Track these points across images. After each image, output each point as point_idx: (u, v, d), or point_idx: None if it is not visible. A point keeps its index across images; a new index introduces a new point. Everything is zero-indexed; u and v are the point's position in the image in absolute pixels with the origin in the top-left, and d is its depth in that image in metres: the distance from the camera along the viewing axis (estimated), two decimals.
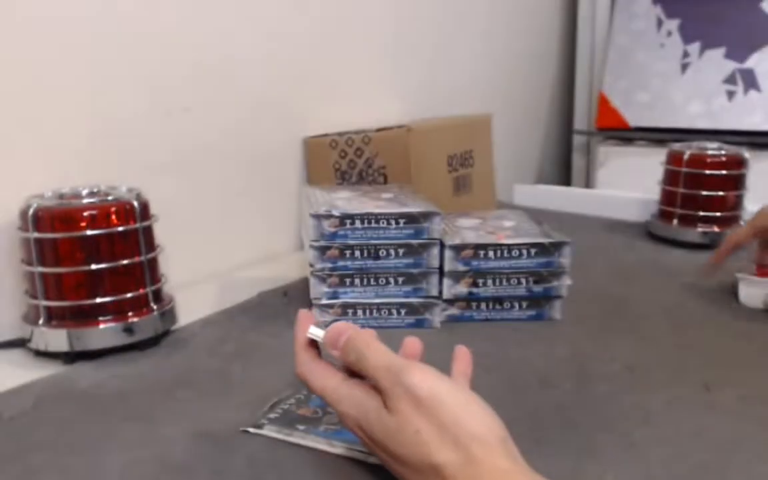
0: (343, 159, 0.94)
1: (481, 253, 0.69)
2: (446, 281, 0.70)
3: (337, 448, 0.47)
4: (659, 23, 1.48)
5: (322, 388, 0.44)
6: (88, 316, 0.62)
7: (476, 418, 0.39)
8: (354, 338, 0.43)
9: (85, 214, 0.60)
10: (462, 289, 0.70)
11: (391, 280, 0.69)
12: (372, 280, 0.69)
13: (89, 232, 0.60)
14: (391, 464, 0.41)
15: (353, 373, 0.44)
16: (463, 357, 0.46)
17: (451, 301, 0.71)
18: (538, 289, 0.70)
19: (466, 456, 0.37)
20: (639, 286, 0.84)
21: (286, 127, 0.97)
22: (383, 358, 0.41)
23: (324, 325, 0.46)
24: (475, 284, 0.69)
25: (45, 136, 0.70)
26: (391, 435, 0.39)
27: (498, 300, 0.71)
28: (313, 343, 0.46)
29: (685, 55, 1.45)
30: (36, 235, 0.60)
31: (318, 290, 0.69)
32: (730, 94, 1.39)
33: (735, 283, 0.78)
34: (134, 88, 0.77)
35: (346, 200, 0.72)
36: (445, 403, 0.39)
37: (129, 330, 0.63)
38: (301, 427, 0.49)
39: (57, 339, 0.61)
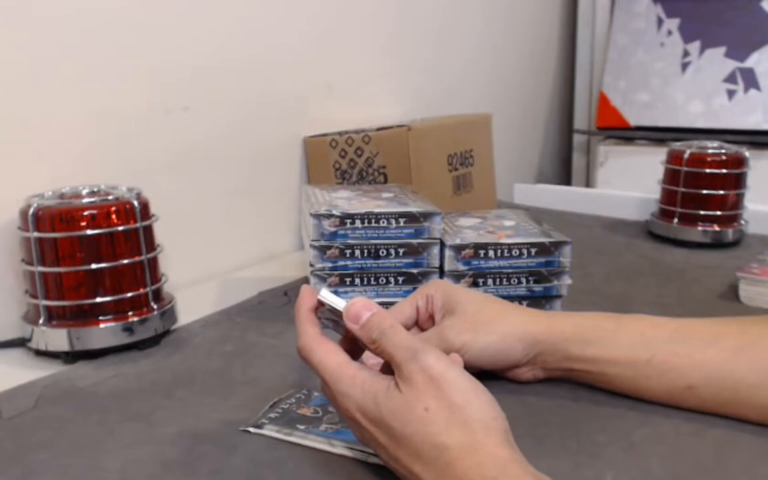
0: (343, 158, 0.94)
1: (482, 252, 0.69)
2: None
3: (337, 448, 0.47)
4: (659, 22, 1.48)
5: (323, 364, 0.43)
6: (88, 315, 0.62)
7: (485, 404, 0.40)
8: (379, 317, 0.43)
9: (86, 213, 0.60)
10: None
11: (392, 279, 0.69)
12: (372, 279, 0.69)
13: (89, 232, 0.60)
14: (389, 449, 0.41)
15: (354, 356, 0.45)
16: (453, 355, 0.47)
17: None
18: (538, 288, 0.70)
19: (471, 440, 0.38)
20: (639, 286, 0.84)
21: (286, 127, 0.97)
22: (404, 339, 0.42)
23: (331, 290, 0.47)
24: (475, 284, 0.69)
25: (45, 136, 0.70)
26: (398, 412, 0.40)
27: None
28: (315, 312, 0.46)
29: (686, 54, 1.45)
30: (36, 234, 0.60)
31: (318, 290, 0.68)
32: (731, 93, 1.39)
33: (736, 283, 0.78)
34: (134, 88, 0.77)
35: (347, 200, 0.72)
36: (456, 386, 0.40)
37: (129, 329, 0.63)
38: (301, 427, 0.49)
39: (57, 338, 0.61)
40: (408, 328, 0.57)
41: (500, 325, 0.55)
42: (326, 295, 0.46)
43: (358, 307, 0.44)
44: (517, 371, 0.56)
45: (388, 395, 0.40)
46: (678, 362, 0.51)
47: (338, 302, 0.45)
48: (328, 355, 0.44)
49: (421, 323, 0.57)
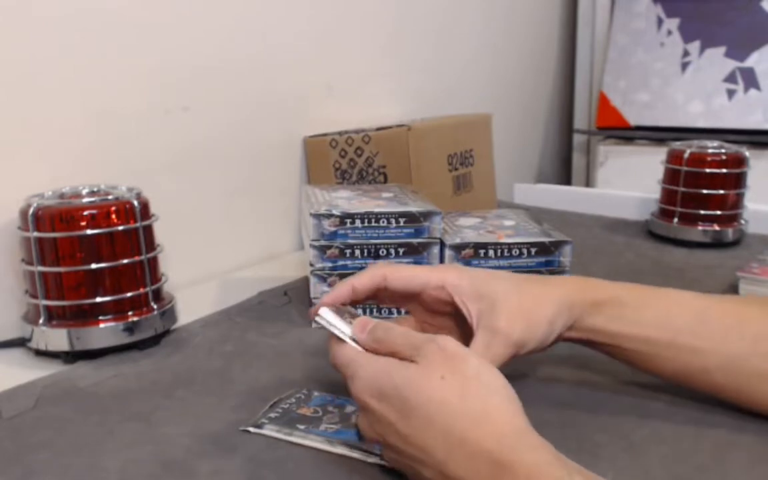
0: (343, 158, 0.94)
1: (482, 252, 0.69)
2: None
3: (337, 448, 0.47)
4: (659, 22, 1.48)
5: (340, 353, 0.46)
6: (88, 315, 0.62)
7: (498, 377, 0.42)
8: (378, 322, 0.46)
9: (86, 213, 0.60)
10: None
11: None
12: None
13: (89, 232, 0.60)
14: (399, 426, 0.41)
15: None
16: None
17: None
18: None
19: (486, 408, 0.39)
20: None
21: (286, 127, 0.97)
22: (412, 331, 0.45)
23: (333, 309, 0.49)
24: None
25: (45, 136, 0.70)
26: (414, 380, 0.41)
27: None
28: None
29: (686, 54, 1.45)
30: (36, 234, 0.60)
31: (318, 290, 0.69)
32: (731, 93, 1.39)
33: (736, 282, 0.78)
34: (134, 88, 0.77)
35: (347, 199, 0.72)
36: (470, 362, 0.42)
37: (129, 329, 0.63)
38: (302, 427, 0.49)
39: (57, 338, 0.61)
40: (408, 297, 0.54)
41: (547, 308, 0.51)
42: (326, 316, 0.48)
43: (361, 320, 0.47)
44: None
45: (402, 366, 0.42)
46: (698, 345, 0.51)
47: (337, 325, 0.48)
48: (347, 347, 0.46)
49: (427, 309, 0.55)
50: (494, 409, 0.39)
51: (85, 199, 0.62)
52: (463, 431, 0.38)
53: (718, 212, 0.99)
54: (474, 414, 0.39)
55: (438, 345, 0.42)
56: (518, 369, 0.60)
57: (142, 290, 0.64)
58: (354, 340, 0.46)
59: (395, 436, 0.41)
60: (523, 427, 0.39)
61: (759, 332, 0.51)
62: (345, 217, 0.67)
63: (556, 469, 0.37)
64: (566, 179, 1.78)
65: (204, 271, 0.86)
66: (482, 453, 0.38)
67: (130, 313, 0.63)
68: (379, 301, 0.55)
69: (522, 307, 0.51)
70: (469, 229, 0.73)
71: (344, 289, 0.51)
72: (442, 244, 0.69)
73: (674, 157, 1.02)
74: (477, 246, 0.68)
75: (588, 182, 1.67)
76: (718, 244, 0.99)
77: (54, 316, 0.62)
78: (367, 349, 0.46)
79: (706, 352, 0.51)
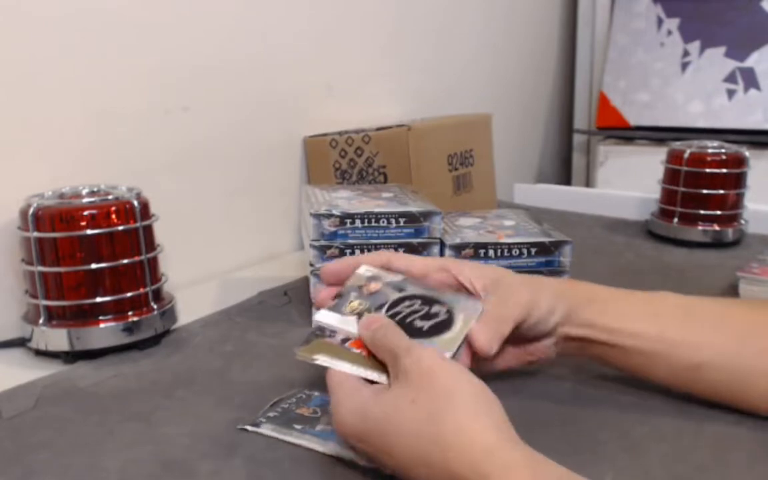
0: (343, 158, 0.94)
1: (482, 252, 0.69)
2: None
3: (330, 449, 0.47)
4: (659, 22, 1.48)
5: (330, 376, 0.46)
6: (88, 315, 0.62)
7: (469, 388, 0.41)
8: (386, 324, 0.47)
9: (86, 213, 0.60)
10: None
11: None
12: None
13: (89, 232, 0.60)
14: (389, 462, 0.41)
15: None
16: None
17: None
18: None
19: (459, 427, 0.39)
20: (639, 285, 0.83)
21: (286, 127, 0.97)
22: (402, 335, 0.45)
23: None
24: None
25: (45, 136, 0.70)
26: (387, 414, 0.41)
27: None
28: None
29: (686, 54, 1.45)
30: (36, 234, 0.60)
31: (318, 290, 0.68)
32: (731, 93, 1.39)
33: (736, 282, 0.78)
34: (134, 88, 0.77)
35: (347, 199, 0.72)
36: (448, 373, 0.41)
37: (129, 329, 0.63)
38: (298, 427, 0.49)
39: (57, 338, 0.61)
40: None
41: (544, 295, 0.53)
42: (323, 318, 0.50)
43: (368, 318, 0.48)
44: (546, 342, 0.54)
45: (375, 403, 0.42)
46: (687, 338, 0.51)
47: (333, 324, 0.49)
48: (332, 372, 0.46)
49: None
50: (466, 429, 0.38)
51: (85, 199, 0.62)
52: (440, 460, 0.38)
53: (718, 212, 0.99)
54: (444, 441, 0.38)
55: (413, 359, 0.42)
56: (518, 367, 0.60)
57: (142, 290, 0.64)
58: (345, 338, 0.48)
59: (388, 469, 0.42)
60: (496, 445, 0.38)
61: (745, 329, 0.51)
62: (345, 217, 0.67)
63: None
64: (566, 179, 1.78)
65: (204, 271, 0.86)
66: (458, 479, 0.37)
67: (130, 313, 0.63)
68: None
69: (524, 282, 0.53)
70: (469, 229, 0.73)
71: (351, 260, 0.53)
72: (442, 244, 0.69)
73: (674, 157, 1.02)
74: (477, 246, 0.68)
75: (588, 182, 1.67)
76: (718, 244, 0.99)
77: (54, 316, 0.62)
78: (366, 344, 0.47)
79: (695, 347, 0.51)
